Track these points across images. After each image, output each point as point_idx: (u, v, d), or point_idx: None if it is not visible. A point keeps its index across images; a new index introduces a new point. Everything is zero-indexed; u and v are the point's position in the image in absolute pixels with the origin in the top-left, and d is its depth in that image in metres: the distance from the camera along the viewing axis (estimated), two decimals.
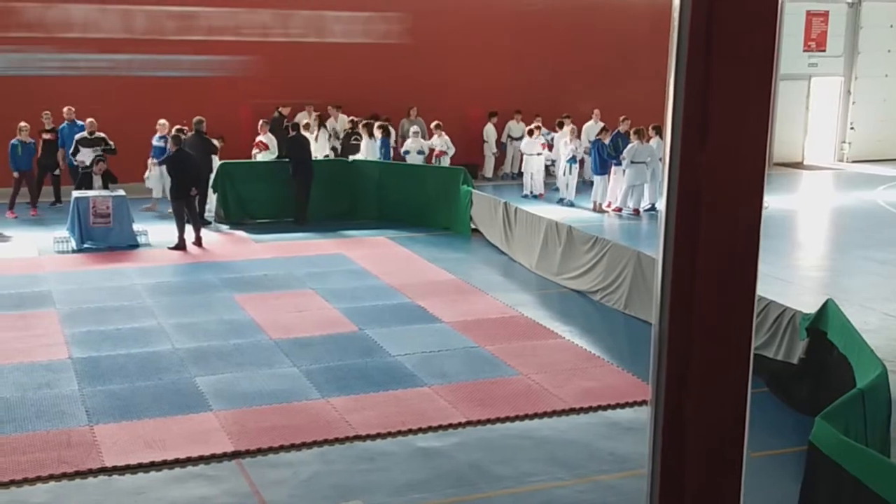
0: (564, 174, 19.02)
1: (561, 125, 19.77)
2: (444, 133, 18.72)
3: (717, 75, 2.07)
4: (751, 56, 2.09)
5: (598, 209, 18.24)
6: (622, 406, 8.86)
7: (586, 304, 12.23)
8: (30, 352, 9.99)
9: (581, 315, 11.83)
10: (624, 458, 7.78)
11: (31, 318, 11.17)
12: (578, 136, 19.31)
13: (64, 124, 17.42)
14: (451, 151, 18.58)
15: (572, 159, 18.77)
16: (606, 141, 18.35)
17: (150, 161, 17.43)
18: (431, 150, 18.78)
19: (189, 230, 14.93)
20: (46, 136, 17.29)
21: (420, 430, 8.24)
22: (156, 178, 17.48)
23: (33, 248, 14.74)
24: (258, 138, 17.71)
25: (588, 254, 12.56)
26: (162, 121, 17.27)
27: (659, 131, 18.53)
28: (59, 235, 15.09)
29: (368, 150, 18.08)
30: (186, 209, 14.91)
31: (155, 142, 17.38)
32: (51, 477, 7.25)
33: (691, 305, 2.21)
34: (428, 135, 19.36)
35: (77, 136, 16.47)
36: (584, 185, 19.42)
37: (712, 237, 2.15)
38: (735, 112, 2.07)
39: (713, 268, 2.18)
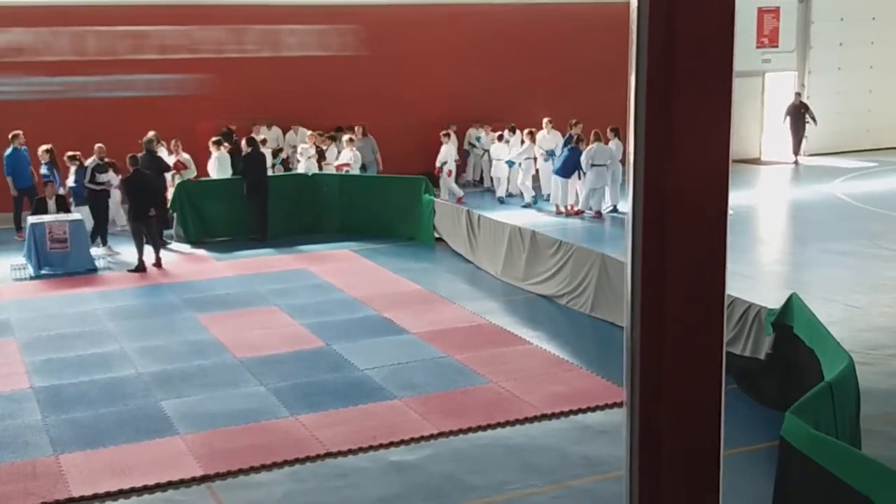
0: (522, 176, 19.23)
1: (513, 130, 19.96)
2: (354, 148, 18.51)
3: (678, 79, 2.04)
4: (711, 58, 2.07)
5: (560, 212, 18.29)
6: (593, 409, 8.84)
7: (553, 309, 12.22)
8: None
9: (548, 320, 11.82)
10: (598, 461, 7.76)
11: None
12: (533, 141, 19.39)
13: (9, 149, 16.94)
14: (357, 164, 18.34)
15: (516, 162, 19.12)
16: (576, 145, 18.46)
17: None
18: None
19: (148, 251, 14.73)
20: None
21: (392, 443, 8.17)
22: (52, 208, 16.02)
23: None
24: (175, 158, 17.28)
25: (553, 258, 12.57)
26: (44, 147, 16.41)
27: (617, 133, 18.63)
28: (15, 262, 14.85)
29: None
30: (145, 230, 14.71)
31: (42, 171, 16.40)
32: None
33: (662, 308, 2.18)
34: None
35: (91, 165, 15.92)
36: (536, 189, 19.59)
37: (679, 240, 2.12)
38: (698, 114, 2.05)
39: (682, 270, 2.15)
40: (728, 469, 2.63)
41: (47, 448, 8.18)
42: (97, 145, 16.10)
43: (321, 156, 18.59)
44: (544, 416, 8.70)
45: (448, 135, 19.60)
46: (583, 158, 17.97)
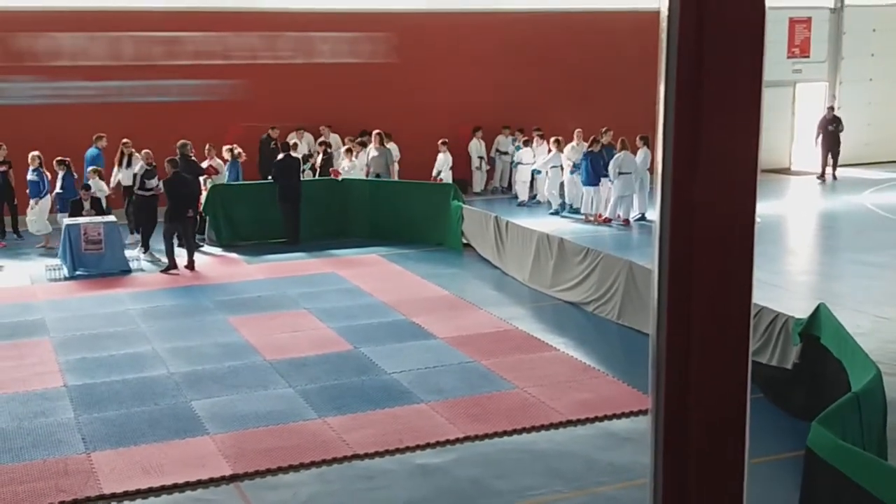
0: (548, 184, 19.28)
1: (541, 137, 20.00)
2: (354, 157, 18.61)
3: (707, 88, 2.09)
4: (740, 67, 2.12)
5: (589, 220, 18.33)
6: (619, 416, 8.87)
7: (580, 316, 12.25)
8: (24, 381, 9.95)
9: (575, 327, 11.85)
10: (623, 468, 7.79)
11: (25, 346, 11.14)
12: (560, 150, 19.43)
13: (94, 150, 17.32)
14: (353, 174, 18.35)
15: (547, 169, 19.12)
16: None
17: (31, 201, 16.36)
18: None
19: (181, 253, 14.93)
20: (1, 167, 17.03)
21: (418, 447, 8.23)
22: (38, 214, 16.43)
23: (25, 277, 14.71)
24: (207, 163, 17.46)
25: (580, 265, 12.60)
26: (34, 153, 16.50)
27: (646, 142, 18.63)
28: (50, 263, 15.07)
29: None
30: (181, 232, 14.92)
31: (30, 176, 16.45)
32: None
33: (688, 316, 2.23)
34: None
35: (140, 171, 16.17)
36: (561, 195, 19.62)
37: (707, 248, 2.17)
38: (726, 124, 2.10)
39: (709, 278, 2.20)
40: (753, 478, 2.67)
41: (79, 446, 8.32)
42: (144, 151, 16.29)
43: (328, 161, 18.62)
44: (570, 423, 8.73)
45: (445, 143, 19.55)
46: (610, 167, 18.01)
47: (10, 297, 13.46)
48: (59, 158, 16.33)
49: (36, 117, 18.18)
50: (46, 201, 16.44)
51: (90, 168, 16.48)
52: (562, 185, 19.43)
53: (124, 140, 17.06)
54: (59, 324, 12.02)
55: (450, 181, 18.81)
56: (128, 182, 16.81)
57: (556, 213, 19.16)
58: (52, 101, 18.58)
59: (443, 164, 19.37)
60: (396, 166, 19.91)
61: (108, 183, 16.74)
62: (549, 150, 19.55)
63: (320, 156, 18.52)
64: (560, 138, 19.45)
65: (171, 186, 14.95)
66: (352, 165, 18.34)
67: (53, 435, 8.57)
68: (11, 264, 15.54)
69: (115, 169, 17.03)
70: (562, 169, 19.37)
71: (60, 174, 16.32)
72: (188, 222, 15.02)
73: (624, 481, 7.56)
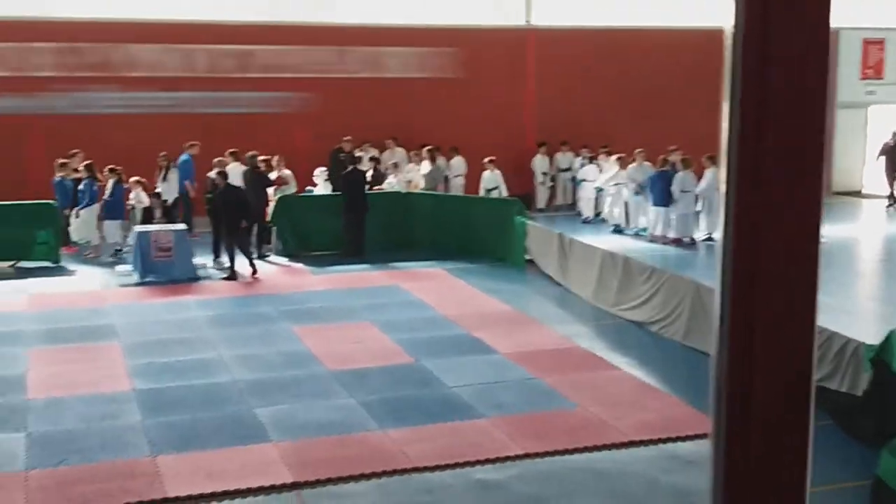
0: (611, 202, 19.19)
1: (608, 154, 19.92)
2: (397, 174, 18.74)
3: (772, 107, 2.08)
4: (806, 87, 2.11)
5: (654, 239, 18.17)
6: (683, 439, 8.74)
7: (644, 336, 12.13)
8: (94, 383, 10.19)
9: (639, 346, 11.74)
10: (686, 491, 7.68)
11: (95, 350, 11.41)
12: (622, 168, 19.34)
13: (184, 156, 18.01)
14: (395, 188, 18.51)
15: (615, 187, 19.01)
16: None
17: (76, 209, 16.61)
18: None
19: (242, 262, 15.19)
20: (77, 174, 17.50)
21: (478, 462, 8.22)
22: (82, 223, 16.62)
23: (96, 282, 15.09)
24: (275, 174, 17.68)
25: (645, 284, 12.49)
26: (63, 160, 16.92)
27: (714, 161, 18.43)
28: (121, 269, 15.44)
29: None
30: (238, 242, 15.19)
31: (68, 184, 16.85)
32: None
33: (751, 337, 2.21)
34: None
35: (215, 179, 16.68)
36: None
37: (771, 269, 2.16)
38: (792, 143, 2.08)
39: (772, 299, 2.19)
40: None
41: (145, 449, 8.48)
42: (216, 159, 16.66)
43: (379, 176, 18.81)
44: (633, 444, 8.64)
45: (492, 161, 19.47)
46: (674, 186, 17.86)
47: (82, 301, 13.83)
48: (110, 167, 16.72)
49: (109, 127, 18.65)
50: (92, 210, 16.76)
51: (132, 179, 16.85)
52: (626, 204, 19.31)
53: (162, 153, 17.45)
54: (128, 328, 12.30)
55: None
56: (169, 195, 17.16)
57: (618, 231, 19.04)
58: (125, 111, 19.06)
59: (490, 181, 19.28)
60: (462, 180, 20.02)
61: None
62: (611, 167, 19.51)
63: (370, 171, 18.71)
64: (623, 156, 19.35)
65: (225, 198, 15.25)
66: (390, 185, 18.52)
67: (121, 437, 8.75)
68: (83, 269, 15.96)
69: (159, 181, 17.44)
70: (625, 187, 19.26)
71: (110, 182, 16.71)
72: (242, 233, 15.29)
73: None
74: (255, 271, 15.24)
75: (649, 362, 11.05)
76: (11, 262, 16.21)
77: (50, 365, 10.78)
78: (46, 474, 7.91)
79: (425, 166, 18.86)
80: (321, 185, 18.06)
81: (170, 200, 17.09)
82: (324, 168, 18.33)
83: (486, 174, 19.37)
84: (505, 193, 19.06)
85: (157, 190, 17.31)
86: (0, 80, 18.52)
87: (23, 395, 9.80)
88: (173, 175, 17.72)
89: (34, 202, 16.69)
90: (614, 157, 19.46)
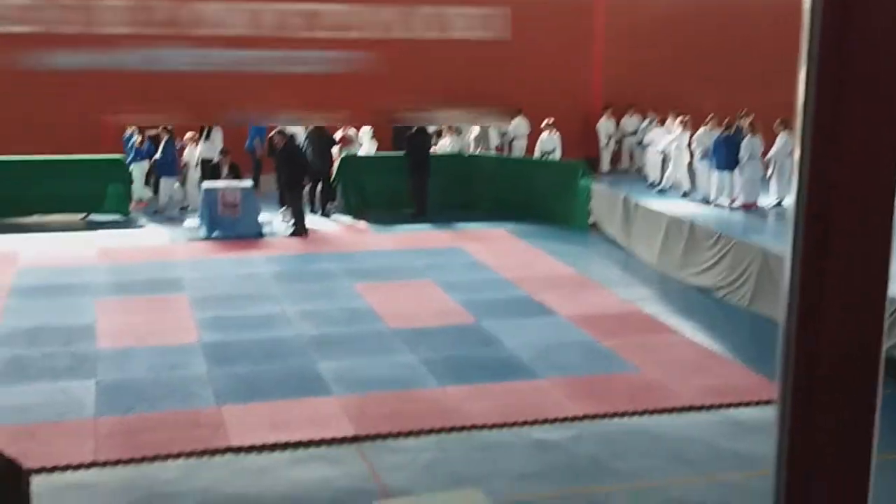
0: (676, 167, 18.90)
1: (676, 118, 19.59)
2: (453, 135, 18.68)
3: (849, 73, 2.02)
4: (885, 54, 2.04)
5: (720, 204, 17.88)
6: (746, 405, 8.65)
7: (708, 301, 11.99)
8: (161, 334, 10.42)
9: (703, 312, 11.61)
10: (748, 457, 7.61)
11: (163, 302, 11.66)
12: (685, 131, 19.01)
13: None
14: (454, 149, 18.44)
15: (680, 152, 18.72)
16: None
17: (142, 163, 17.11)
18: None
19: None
20: (152, 132, 17.82)
21: (536, 421, 8.24)
22: (136, 179, 17.00)
23: (164, 236, 15.39)
24: (339, 134, 17.74)
25: (711, 250, 12.31)
26: (132, 125, 17.29)
27: (787, 126, 18.03)
28: (189, 224, 15.70)
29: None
30: (292, 200, 15.40)
31: (137, 143, 17.28)
32: (181, 454, 7.55)
33: (820, 305, 2.17)
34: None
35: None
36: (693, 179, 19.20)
37: (843, 237, 2.11)
38: (869, 110, 2.02)
39: (844, 267, 2.14)
40: (882, 473, 2.59)
41: (210, 399, 8.66)
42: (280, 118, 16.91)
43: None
44: (694, 408, 8.57)
45: (551, 125, 19.25)
46: (742, 151, 17.52)
47: (150, 254, 14.13)
48: (164, 126, 16.98)
49: (179, 84, 18.88)
50: (141, 166, 17.19)
51: (186, 136, 17.13)
52: (690, 167, 19.01)
53: (162, 126, 17.57)
54: (195, 282, 12.53)
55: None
56: (208, 155, 17.31)
57: (684, 195, 18.78)
58: (193, 68, 19.26)
59: (548, 144, 19.10)
60: (525, 142, 19.89)
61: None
62: (675, 131, 19.18)
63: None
64: (686, 119, 19.01)
65: (286, 156, 15.46)
66: (451, 144, 18.48)
67: (187, 387, 8.94)
68: (151, 224, 16.29)
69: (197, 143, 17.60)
70: (690, 151, 18.94)
71: (165, 139, 16.97)
72: (301, 191, 15.50)
73: (748, 470, 7.39)
74: (306, 230, 15.37)
75: (713, 328, 10.92)
76: (83, 215, 16.61)
77: (119, 315, 11.05)
78: (115, 421, 8.14)
79: (474, 129, 18.82)
80: (367, 144, 18.09)
81: (215, 159, 17.19)
82: (369, 126, 18.37)
83: (544, 136, 19.21)
84: (559, 157, 18.94)
85: (198, 151, 17.47)
86: (73, 36, 18.83)
87: (93, 344, 10.07)
88: (217, 134, 17.88)
89: (105, 157, 17.06)
90: (678, 119, 19.14)
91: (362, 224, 16.52)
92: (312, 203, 17.00)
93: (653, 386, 9.07)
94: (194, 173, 17.12)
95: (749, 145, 17.55)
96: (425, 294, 12.11)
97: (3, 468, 4.18)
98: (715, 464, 7.54)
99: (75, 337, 10.25)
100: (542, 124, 19.27)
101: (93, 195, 16.42)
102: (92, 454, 7.49)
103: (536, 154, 19.23)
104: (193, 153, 16.99)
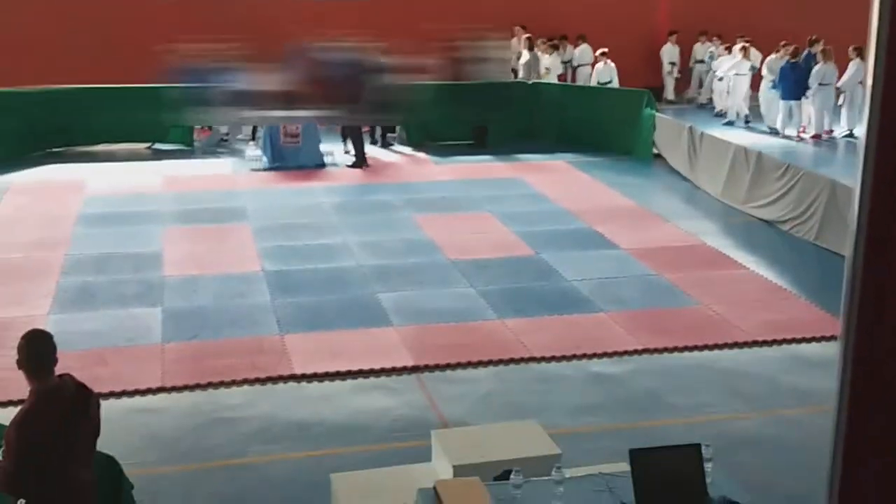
0: (734, 95, 18.52)
1: (744, 48, 19.02)
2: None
3: None
4: None
5: (788, 135, 17.44)
6: (808, 340, 8.54)
7: (774, 235, 11.78)
8: (225, 263, 10.59)
9: (768, 245, 11.41)
10: (808, 393, 7.54)
11: (227, 231, 11.82)
12: (746, 56, 18.54)
13: None
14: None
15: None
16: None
17: None
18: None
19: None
20: None
21: (595, 355, 8.24)
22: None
23: (227, 166, 15.54)
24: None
25: (778, 182, 12.05)
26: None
27: (860, 53, 17.42)
28: (251, 154, 15.83)
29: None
30: (351, 132, 15.42)
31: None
32: (245, 381, 7.73)
33: (889, 239, 2.10)
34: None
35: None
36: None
37: None
38: None
39: None
40: None
41: (273, 327, 8.81)
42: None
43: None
44: (755, 343, 8.49)
45: (605, 54, 18.66)
46: (812, 78, 16.98)
47: (214, 183, 14.30)
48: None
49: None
50: None
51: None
52: (756, 95, 18.59)
53: None
54: (257, 212, 12.67)
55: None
56: None
57: (746, 123, 18.37)
58: None
59: (604, 74, 18.61)
60: (589, 69, 19.54)
61: None
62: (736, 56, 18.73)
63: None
64: (746, 44, 18.51)
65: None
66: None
67: (250, 315, 9.10)
68: (214, 154, 16.48)
69: None
70: (751, 77, 18.49)
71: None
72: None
73: (807, 405, 7.32)
74: (367, 161, 15.38)
75: (778, 262, 10.74)
76: (148, 144, 16.83)
77: (184, 244, 11.24)
78: (181, 347, 8.34)
79: (524, 55, 18.49)
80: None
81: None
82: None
83: (600, 66, 18.75)
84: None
85: None
86: None
87: (159, 271, 10.28)
88: None
89: (169, 86, 17.18)
90: (738, 45, 18.61)
91: (422, 155, 16.48)
92: (372, 133, 16.98)
93: (713, 320, 8.99)
94: None
95: (819, 73, 17.02)
96: (485, 225, 12.08)
97: (73, 392, 4.30)
98: (775, 399, 7.48)
99: (143, 264, 10.47)
100: (597, 53, 18.88)
101: (157, 125, 16.59)
102: (159, 379, 7.70)
103: (593, 84, 18.92)
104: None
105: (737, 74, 18.50)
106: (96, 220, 12.19)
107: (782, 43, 18.23)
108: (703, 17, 20.60)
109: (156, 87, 16.93)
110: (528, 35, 18.76)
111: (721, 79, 19.04)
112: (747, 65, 18.43)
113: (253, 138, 16.60)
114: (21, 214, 12.47)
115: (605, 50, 18.74)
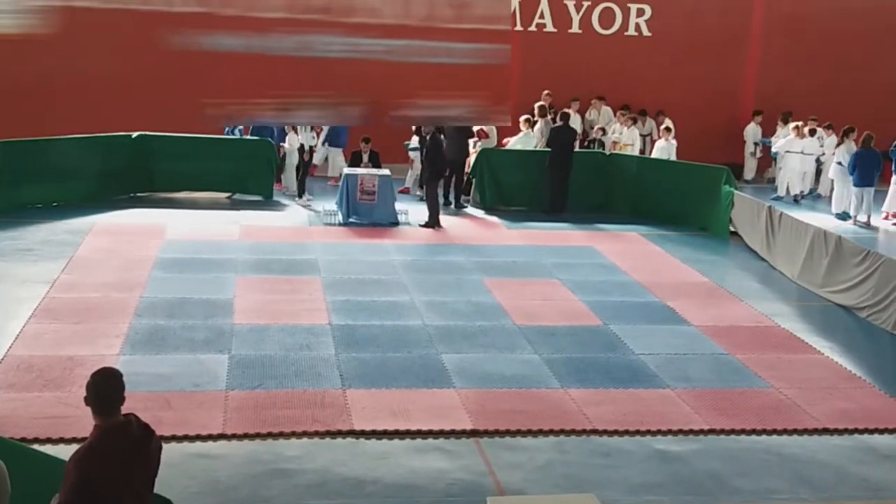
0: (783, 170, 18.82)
1: (797, 127, 18.89)
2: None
3: None
4: None
5: (859, 221, 17.14)
6: (881, 431, 8.25)
7: (851, 321, 11.47)
8: (294, 315, 10.69)
9: (844, 331, 11.11)
10: (878, 485, 7.25)
11: (298, 283, 11.96)
12: (798, 136, 18.60)
13: None
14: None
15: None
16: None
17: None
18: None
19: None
20: None
21: (659, 431, 8.07)
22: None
23: (304, 219, 15.79)
24: (478, 127, 17.70)
25: (857, 267, 11.77)
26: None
27: None
28: (327, 208, 16.07)
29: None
30: (429, 191, 15.55)
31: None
32: (304, 433, 7.74)
33: None
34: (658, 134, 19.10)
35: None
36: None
37: None
38: None
39: None
40: None
41: (336, 381, 8.83)
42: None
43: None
44: (826, 431, 8.23)
45: (668, 130, 18.55)
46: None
47: (289, 235, 14.53)
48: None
49: (326, 72, 19.29)
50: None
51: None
52: (805, 176, 18.88)
53: None
54: (329, 265, 12.81)
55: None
56: (307, 141, 17.39)
57: (777, 198, 18.23)
58: (343, 55, 19.63)
59: (662, 152, 18.29)
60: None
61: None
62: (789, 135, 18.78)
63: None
64: (800, 124, 18.51)
65: (431, 148, 15.64)
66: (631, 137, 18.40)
67: (315, 368, 9.15)
68: (293, 205, 16.77)
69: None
70: (802, 157, 18.68)
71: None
72: (438, 183, 15.78)
73: (877, 499, 7.05)
74: (440, 223, 15.46)
75: (854, 349, 10.45)
76: (228, 194, 17.22)
77: (256, 293, 11.40)
78: (244, 395, 8.41)
79: (612, 127, 18.68)
80: (517, 139, 17.96)
81: (307, 146, 17.26)
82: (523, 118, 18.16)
83: (660, 143, 18.57)
84: None
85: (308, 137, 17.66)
86: (230, 18, 19.48)
87: (230, 319, 10.43)
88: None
89: (252, 138, 17.64)
90: (792, 125, 18.69)
91: (495, 219, 16.53)
92: (446, 195, 17.11)
93: (784, 404, 8.75)
94: (292, 159, 17.49)
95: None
96: (553, 293, 12.02)
97: (136, 432, 4.36)
98: (842, 489, 7.21)
99: (215, 311, 10.64)
100: (661, 127, 18.83)
101: (238, 175, 16.99)
102: (221, 426, 7.77)
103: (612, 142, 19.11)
104: (293, 139, 17.35)
105: (787, 152, 18.51)
106: (173, 265, 12.45)
107: (847, 127, 17.81)
108: (787, 98, 20.45)
109: (238, 139, 17.41)
110: (527, 116, 18.40)
111: (776, 155, 19.10)
112: (800, 143, 18.37)
113: (300, 195, 16.86)
114: (101, 255, 12.81)
115: (670, 125, 18.70)
